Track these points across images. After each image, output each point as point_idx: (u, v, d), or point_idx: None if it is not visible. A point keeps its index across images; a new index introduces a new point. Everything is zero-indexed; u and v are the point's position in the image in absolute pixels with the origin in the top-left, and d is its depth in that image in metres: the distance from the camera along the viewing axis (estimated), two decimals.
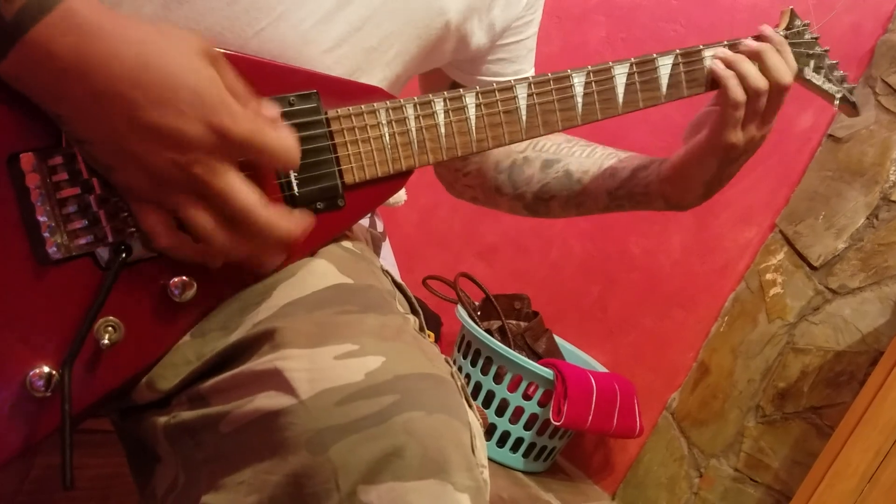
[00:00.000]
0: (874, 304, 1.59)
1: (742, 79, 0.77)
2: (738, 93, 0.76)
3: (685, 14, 1.84)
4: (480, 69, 0.85)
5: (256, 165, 0.55)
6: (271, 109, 0.56)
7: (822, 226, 1.68)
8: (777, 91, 0.78)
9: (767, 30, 0.80)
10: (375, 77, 0.69)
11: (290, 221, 0.56)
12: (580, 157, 0.88)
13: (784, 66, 0.78)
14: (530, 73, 0.88)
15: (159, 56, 0.50)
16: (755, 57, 0.78)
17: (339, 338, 0.53)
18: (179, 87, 0.49)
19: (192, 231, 0.54)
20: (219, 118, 0.50)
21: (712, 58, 0.79)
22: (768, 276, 1.75)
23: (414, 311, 0.68)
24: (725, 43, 0.80)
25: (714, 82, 0.79)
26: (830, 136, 1.71)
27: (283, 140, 0.54)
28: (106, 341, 0.55)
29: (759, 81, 0.77)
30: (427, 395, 0.51)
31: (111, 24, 0.49)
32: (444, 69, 0.85)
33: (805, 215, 1.72)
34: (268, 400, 0.51)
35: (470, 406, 0.57)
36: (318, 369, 0.51)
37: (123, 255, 0.55)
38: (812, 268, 1.69)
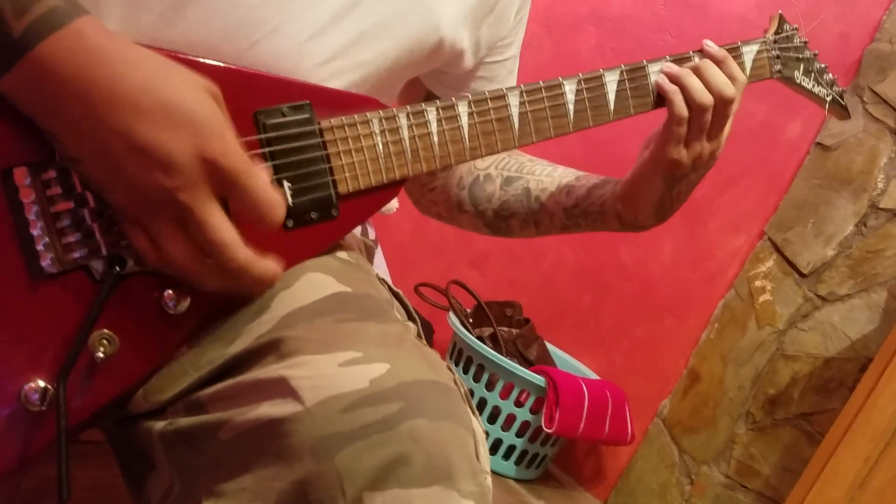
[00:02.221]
0: (863, 311, 1.60)
1: (686, 93, 0.75)
2: (681, 108, 0.75)
3: (675, 24, 1.85)
4: (463, 86, 0.85)
5: (238, 209, 0.54)
6: (266, 171, 0.56)
7: (811, 233, 1.70)
8: (721, 104, 0.75)
9: (708, 45, 0.78)
10: (368, 88, 0.69)
11: (261, 267, 0.55)
12: (540, 175, 0.87)
13: (724, 80, 0.76)
14: None
15: (162, 82, 0.50)
16: (696, 72, 0.76)
17: (342, 345, 0.54)
18: (177, 112, 0.50)
19: (167, 258, 0.53)
20: (211, 148, 0.50)
21: (658, 72, 0.77)
22: (757, 284, 1.76)
23: (411, 319, 0.68)
24: (691, 53, 0.79)
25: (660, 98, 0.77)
26: (819, 144, 1.73)
27: (272, 195, 0.54)
28: (100, 354, 0.55)
29: (704, 96, 0.75)
30: (431, 403, 0.51)
31: (118, 49, 0.50)
32: (423, 79, 0.85)
33: (794, 223, 1.73)
34: (272, 407, 0.51)
35: (473, 413, 0.57)
36: (322, 376, 0.51)
37: (117, 268, 0.55)
38: (801, 275, 1.70)
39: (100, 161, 0.51)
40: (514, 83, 0.88)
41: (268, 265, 0.56)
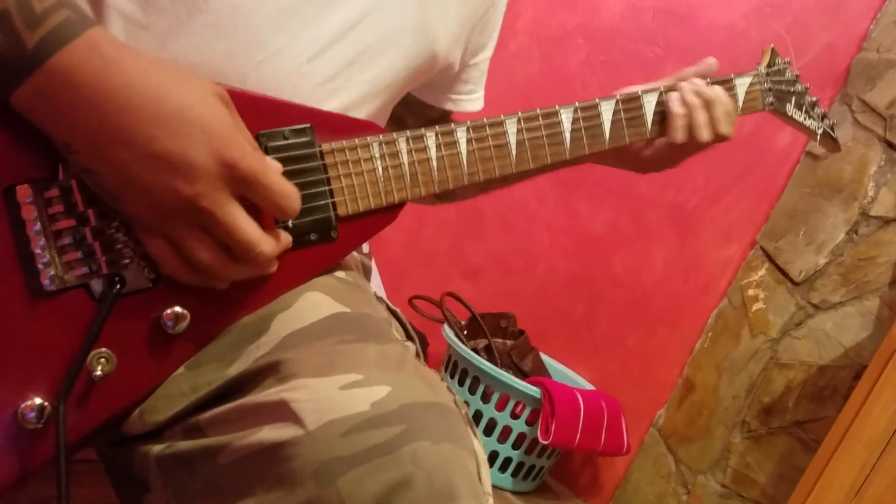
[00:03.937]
0: (855, 319, 1.61)
1: (693, 126, 0.81)
2: (680, 136, 0.81)
3: (664, 36, 1.87)
4: (449, 90, 0.87)
5: (257, 205, 0.56)
6: (276, 163, 0.58)
7: (803, 242, 1.71)
8: (717, 139, 0.83)
9: (706, 82, 0.84)
10: (365, 107, 0.70)
11: (284, 245, 0.59)
12: None
13: (728, 122, 0.82)
14: (481, 93, 0.91)
15: (175, 91, 0.51)
16: (708, 105, 0.82)
17: (343, 368, 0.54)
18: (193, 119, 0.51)
19: (192, 262, 0.54)
20: (228, 151, 0.51)
21: (674, 99, 0.82)
22: (750, 293, 1.77)
23: (409, 338, 0.68)
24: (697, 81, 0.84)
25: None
26: (808, 153, 1.74)
27: (288, 186, 0.56)
28: (98, 373, 0.55)
29: (705, 133, 0.81)
30: (433, 425, 0.52)
31: (131, 58, 0.50)
32: (414, 90, 0.86)
33: (785, 231, 1.74)
34: (273, 431, 0.51)
35: (475, 434, 0.57)
36: (323, 399, 0.51)
37: (118, 286, 0.55)
38: (794, 283, 1.71)
39: (116, 170, 0.51)
40: (483, 83, 0.91)
41: (286, 240, 0.60)
